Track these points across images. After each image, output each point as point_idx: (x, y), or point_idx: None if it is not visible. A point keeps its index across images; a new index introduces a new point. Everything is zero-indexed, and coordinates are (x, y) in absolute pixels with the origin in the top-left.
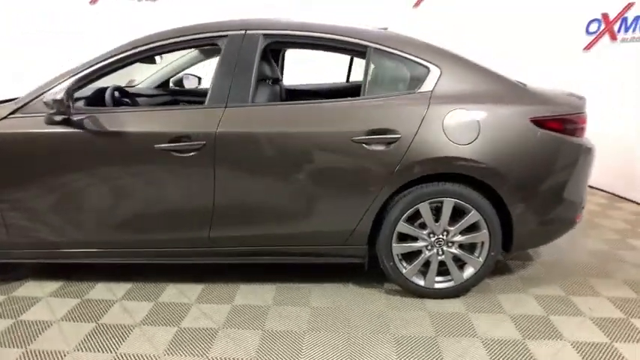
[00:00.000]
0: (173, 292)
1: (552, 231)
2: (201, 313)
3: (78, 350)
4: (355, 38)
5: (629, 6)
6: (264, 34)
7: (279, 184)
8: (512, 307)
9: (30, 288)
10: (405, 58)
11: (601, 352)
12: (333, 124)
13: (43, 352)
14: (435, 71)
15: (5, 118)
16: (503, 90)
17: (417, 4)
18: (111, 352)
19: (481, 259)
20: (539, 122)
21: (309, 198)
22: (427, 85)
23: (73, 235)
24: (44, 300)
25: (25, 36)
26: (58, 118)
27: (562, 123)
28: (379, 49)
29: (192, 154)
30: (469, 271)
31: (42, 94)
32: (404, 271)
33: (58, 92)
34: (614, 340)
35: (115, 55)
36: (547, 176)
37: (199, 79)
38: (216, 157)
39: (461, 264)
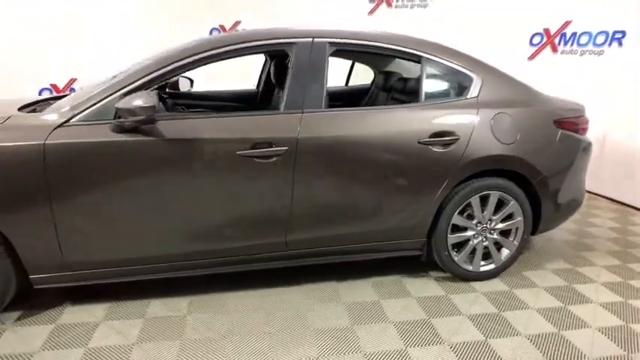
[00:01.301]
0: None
1: (567, 213)
2: (112, 329)
3: None
4: (411, 49)
5: (567, 23)
6: (330, 42)
7: (354, 185)
8: (481, 286)
9: (77, 313)
10: (453, 67)
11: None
12: (401, 128)
13: None
14: (477, 80)
15: (61, 126)
16: (529, 96)
17: (371, 12)
18: None
19: (516, 242)
20: (559, 123)
21: (382, 197)
22: (473, 92)
23: (146, 249)
24: (104, 324)
25: None
26: (129, 125)
27: (574, 124)
28: (431, 59)
29: (273, 159)
30: (505, 254)
31: (102, 100)
32: (456, 259)
33: (142, 98)
34: (628, 298)
35: (187, 58)
36: (565, 168)
37: (191, 81)
38: (296, 161)
39: (498, 247)
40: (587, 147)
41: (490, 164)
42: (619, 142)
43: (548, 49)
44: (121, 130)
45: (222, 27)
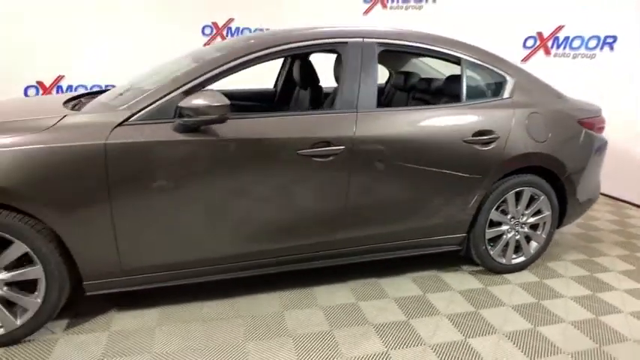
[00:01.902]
0: None
1: (586, 208)
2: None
3: None
4: (451, 50)
5: (560, 28)
6: (378, 43)
7: (405, 183)
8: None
9: (126, 320)
10: (489, 68)
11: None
12: (447, 127)
13: None
14: (510, 80)
15: (120, 125)
16: (556, 96)
17: (366, 12)
18: None
19: (544, 235)
20: (582, 123)
21: (430, 194)
22: (507, 93)
23: (202, 252)
24: (160, 329)
25: None
26: (194, 124)
27: (594, 123)
28: (470, 61)
29: (330, 158)
30: (534, 246)
31: (160, 98)
32: (491, 252)
33: (214, 97)
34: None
35: (246, 55)
36: (587, 164)
37: None
38: (352, 160)
39: (527, 241)
40: (604, 145)
41: (526, 161)
42: (610, 141)
43: (541, 52)
44: (184, 129)
45: (215, 24)
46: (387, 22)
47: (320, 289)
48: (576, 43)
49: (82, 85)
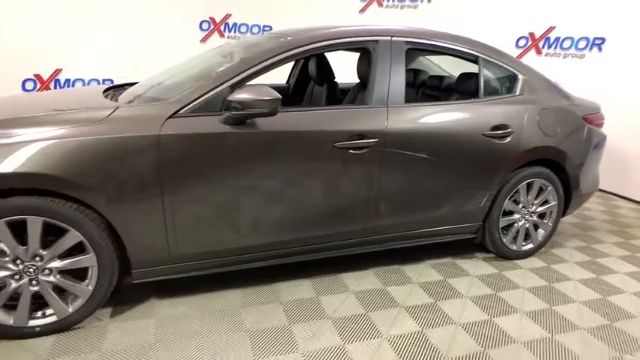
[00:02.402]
0: None
1: (587, 198)
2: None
3: None
4: (469, 49)
5: (551, 29)
6: (405, 41)
7: (430, 174)
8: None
9: (168, 307)
10: (503, 67)
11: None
12: (468, 121)
13: None
14: (521, 78)
15: (171, 117)
16: (562, 93)
17: (362, 11)
18: None
19: (550, 224)
20: (585, 119)
21: (454, 184)
22: (519, 90)
23: (246, 239)
24: (206, 315)
25: None
26: (242, 117)
27: (595, 119)
28: (486, 59)
29: (364, 150)
30: (541, 234)
31: (209, 92)
32: (504, 240)
33: (267, 91)
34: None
35: (287, 51)
36: (589, 157)
37: None
38: (384, 152)
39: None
40: (603, 140)
41: (537, 154)
42: None
43: (532, 51)
44: (232, 121)
45: (213, 19)
46: (383, 20)
47: (347, 275)
48: (566, 44)
49: (80, 79)
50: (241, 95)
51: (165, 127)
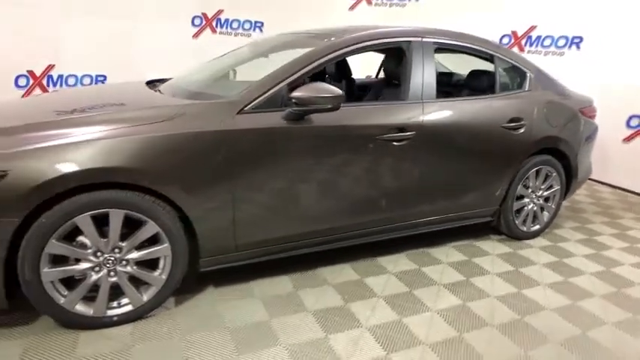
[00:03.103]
0: None
1: (581, 184)
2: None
3: None
4: (486, 48)
5: (532, 28)
6: (434, 42)
7: (459, 163)
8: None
9: (228, 293)
10: (514, 64)
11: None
12: (490, 114)
13: None
14: (529, 75)
15: (240, 112)
16: (562, 88)
17: (351, 8)
18: None
19: (554, 207)
20: (581, 111)
21: (479, 171)
22: (528, 85)
23: (301, 227)
24: (261, 300)
25: None
26: (302, 113)
27: (589, 111)
28: (500, 57)
29: (404, 142)
30: (546, 216)
31: (270, 89)
32: (517, 221)
33: (330, 88)
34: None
35: (337, 51)
36: (585, 146)
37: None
38: (420, 143)
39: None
40: (596, 130)
41: (545, 144)
42: None
43: (515, 49)
44: (294, 117)
45: (205, 15)
46: (371, 18)
47: (383, 259)
48: (547, 42)
49: (73, 75)
50: (306, 93)
51: (233, 123)
